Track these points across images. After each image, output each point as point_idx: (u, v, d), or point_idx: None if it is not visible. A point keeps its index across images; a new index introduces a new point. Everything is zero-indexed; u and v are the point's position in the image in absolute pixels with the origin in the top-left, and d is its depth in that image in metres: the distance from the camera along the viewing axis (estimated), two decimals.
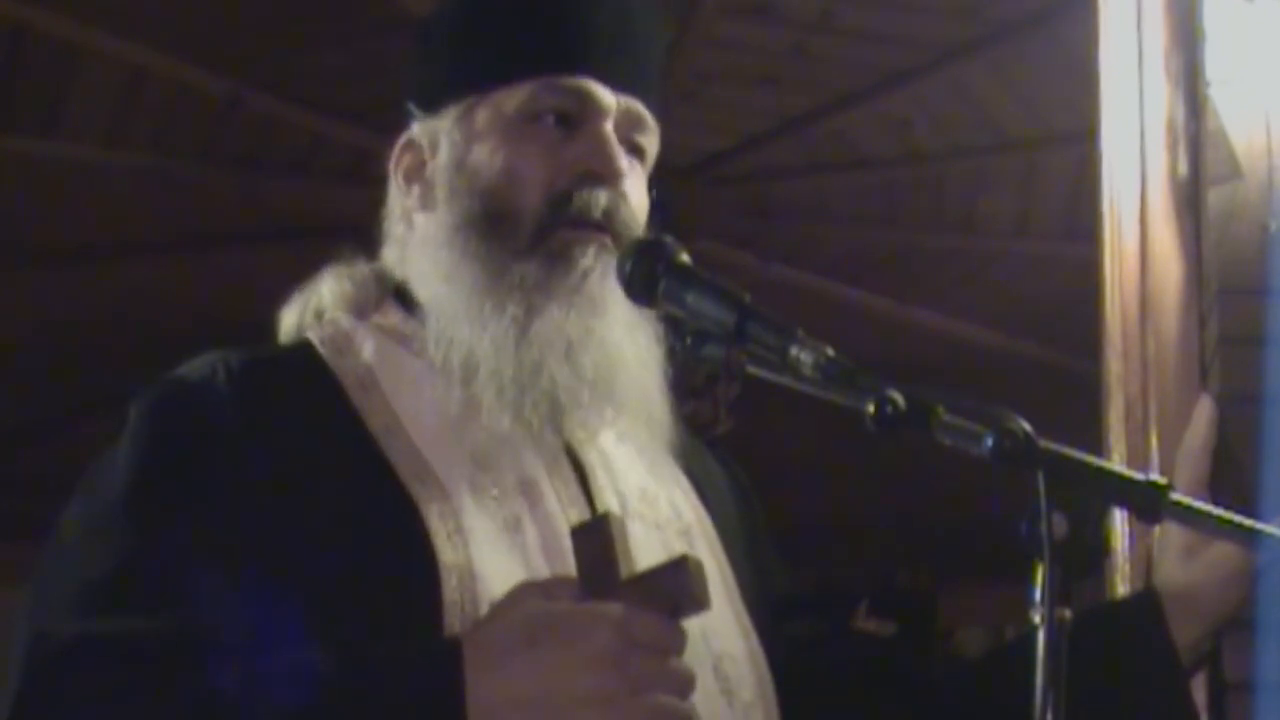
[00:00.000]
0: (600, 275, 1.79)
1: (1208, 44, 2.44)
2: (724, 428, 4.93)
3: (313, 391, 1.80)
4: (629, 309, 1.79)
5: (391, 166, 1.92)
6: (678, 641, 1.56)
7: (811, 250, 5.49)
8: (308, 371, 1.82)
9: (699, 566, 1.57)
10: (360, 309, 1.89)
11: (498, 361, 1.77)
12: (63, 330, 5.62)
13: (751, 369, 1.64)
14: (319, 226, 5.06)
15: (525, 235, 1.80)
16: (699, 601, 1.56)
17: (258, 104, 4.74)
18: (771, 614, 1.91)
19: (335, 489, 1.72)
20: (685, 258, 1.74)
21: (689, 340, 1.69)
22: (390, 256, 1.92)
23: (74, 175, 4.94)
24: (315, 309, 1.91)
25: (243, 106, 4.73)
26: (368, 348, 1.84)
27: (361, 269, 1.92)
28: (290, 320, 1.93)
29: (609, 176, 1.82)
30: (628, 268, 1.74)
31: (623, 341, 1.81)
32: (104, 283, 5.44)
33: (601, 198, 1.80)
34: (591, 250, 1.79)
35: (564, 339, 1.78)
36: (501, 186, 1.82)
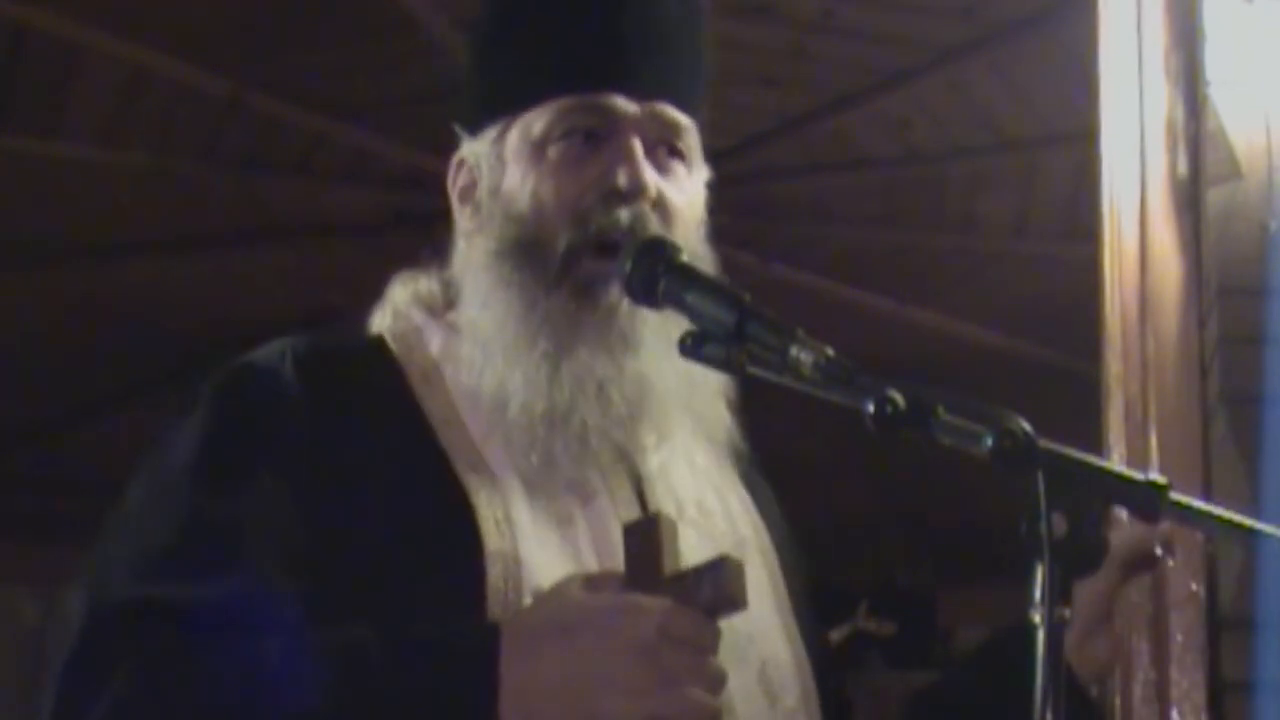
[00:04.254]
0: (629, 309, 1.79)
1: (1208, 44, 2.45)
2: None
3: (377, 381, 1.83)
4: (666, 331, 1.78)
5: (449, 183, 1.95)
6: (713, 639, 1.57)
7: (811, 250, 5.49)
8: (375, 362, 1.85)
9: (739, 568, 1.57)
10: (433, 308, 1.92)
11: (528, 397, 1.78)
12: (63, 330, 5.62)
13: (751, 369, 1.65)
14: (319, 226, 5.07)
15: (554, 264, 1.81)
16: (735, 602, 1.57)
17: (258, 104, 4.74)
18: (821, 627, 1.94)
19: (390, 474, 1.74)
20: (685, 257, 1.74)
21: (689, 340, 1.69)
22: (457, 264, 1.94)
23: (74, 175, 4.94)
24: (392, 309, 1.94)
25: (243, 106, 4.73)
26: (436, 342, 1.87)
27: (432, 275, 1.95)
28: (373, 324, 1.96)
29: (633, 192, 1.81)
30: (627, 268, 1.74)
31: (661, 369, 1.81)
32: (104, 283, 5.44)
33: (624, 216, 1.80)
34: (616, 283, 1.79)
35: (594, 380, 1.79)
36: (530, 213, 1.83)
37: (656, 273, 1.72)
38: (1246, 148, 2.40)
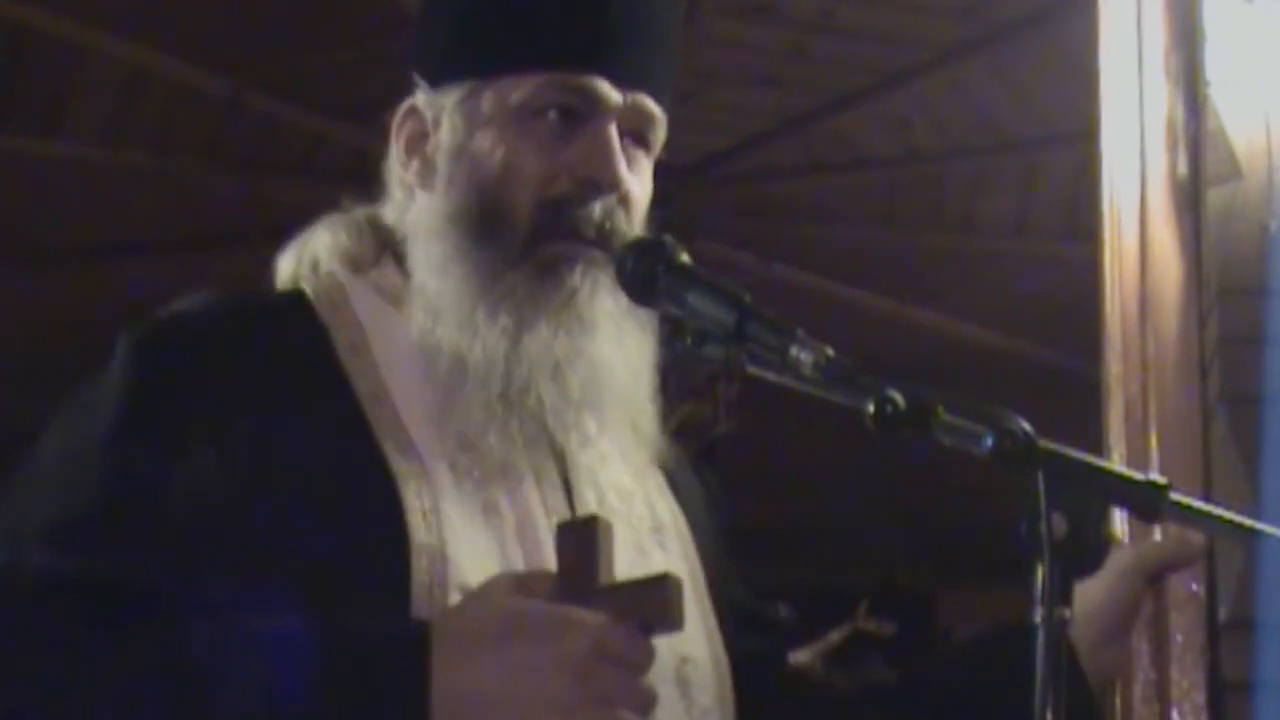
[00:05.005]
0: (589, 293, 1.77)
1: (1208, 44, 2.44)
2: (724, 428, 4.94)
3: (303, 345, 1.78)
4: (618, 321, 1.78)
5: (394, 130, 1.89)
6: (647, 658, 1.56)
7: (811, 250, 5.49)
8: (300, 324, 1.80)
9: (678, 586, 1.56)
10: (357, 264, 1.87)
11: (487, 373, 1.75)
12: (63, 330, 5.62)
13: (751, 369, 1.64)
14: None
15: (518, 240, 1.78)
16: (674, 622, 1.56)
17: (258, 104, 4.75)
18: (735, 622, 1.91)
19: (316, 451, 1.70)
20: (685, 257, 1.73)
21: (689, 340, 1.68)
22: (390, 215, 1.89)
23: (74, 175, 4.94)
24: (311, 259, 1.89)
25: (243, 106, 4.74)
26: (362, 307, 1.82)
27: (360, 220, 1.89)
28: (286, 268, 1.90)
29: (607, 184, 1.79)
30: (628, 267, 1.73)
31: (611, 358, 1.79)
32: (104, 283, 5.44)
33: (596, 210, 1.78)
34: (580, 267, 1.77)
35: (552, 359, 1.76)
36: (498, 182, 1.79)
37: (656, 272, 1.71)
38: (1246, 148, 2.40)
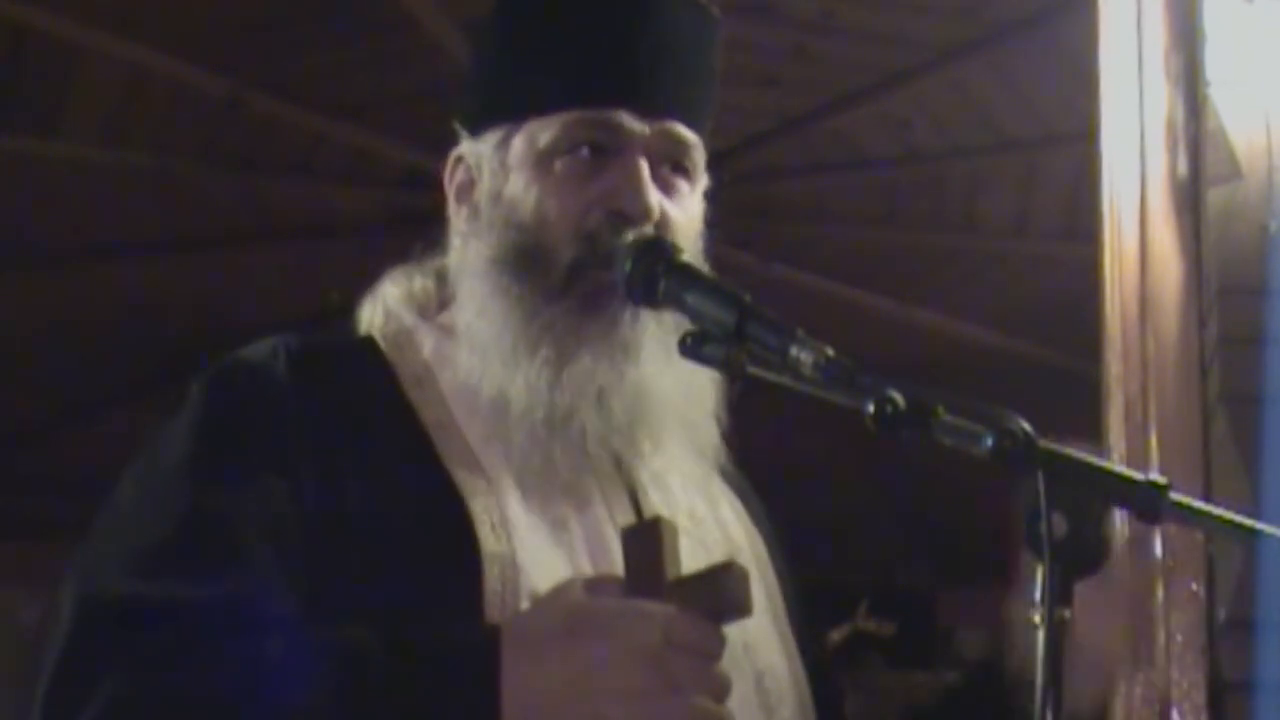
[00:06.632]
0: (631, 319, 1.79)
1: (1208, 44, 2.45)
2: (724, 427, 4.92)
3: (370, 382, 1.83)
4: (666, 342, 1.78)
5: (446, 179, 1.94)
6: (718, 646, 1.56)
7: (811, 250, 5.50)
8: (367, 363, 1.85)
9: (744, 573, 1.57)
10: (424, 309, 1.91)
11: (530, 403, 1.78)
12: (63, 330, 5.62)
13: (751, 369, 1.65)
14: (319, 226, 5.07)
15: (557, 277, 1.81)
16: (742, 607, 1.56)
17: (258, 104, 4.75)
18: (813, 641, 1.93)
19: (384, 475, 1.74)
20: (685, 257, 1.74)
21: (689, 340, 1.69)
22: (452, 263, 1.93)
23: (74, 175, 4.94)
24: (383, 309, 1.93)
25: (243, 106, 4.73)
26: (428, 345, 1.87)
27: (426, 271, 1.94)
28: (362, 322, 1.95)
29: (638, 215, 1.80)
30: (627, 268, 1.74)
31: (659, 380, 1.81)
32: (104, 283, 5.44)
33: (629, 239, 1.79)
34: (621, 293, 1.79)
35: (595, 386, 1.79)
36: (533, 224, 1.83)
37: (656, 273, 1.72)
38: (1246, 148, 2.40)
